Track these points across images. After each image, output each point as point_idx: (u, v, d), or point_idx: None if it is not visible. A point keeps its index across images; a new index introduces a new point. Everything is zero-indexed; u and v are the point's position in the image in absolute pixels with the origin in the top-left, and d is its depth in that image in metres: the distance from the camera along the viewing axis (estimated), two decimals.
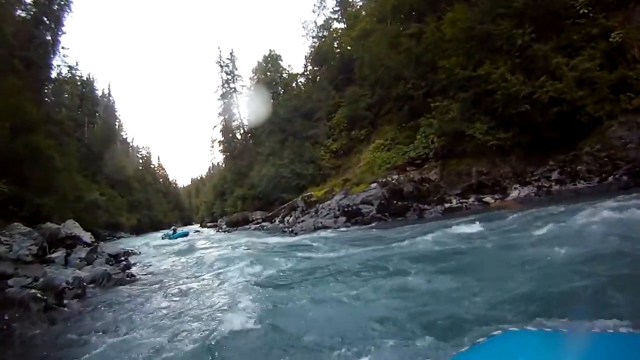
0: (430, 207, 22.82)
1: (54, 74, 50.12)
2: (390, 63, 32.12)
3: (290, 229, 27.34)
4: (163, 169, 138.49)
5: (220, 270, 13.26)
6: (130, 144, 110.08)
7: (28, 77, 33.51)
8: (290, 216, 33.74)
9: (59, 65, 50.10)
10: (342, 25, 56.69)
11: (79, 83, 75.83)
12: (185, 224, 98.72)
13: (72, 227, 20.76)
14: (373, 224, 22.65)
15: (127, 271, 15.15)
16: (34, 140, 25.75)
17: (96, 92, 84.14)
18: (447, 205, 22.46)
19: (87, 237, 20.46)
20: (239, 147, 69.31)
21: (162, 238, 43.33)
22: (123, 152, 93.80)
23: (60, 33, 45.89)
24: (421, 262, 9.48)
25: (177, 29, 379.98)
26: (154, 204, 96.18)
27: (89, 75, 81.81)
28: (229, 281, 11.19)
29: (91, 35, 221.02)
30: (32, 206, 23.27)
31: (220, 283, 11.15)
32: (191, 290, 10.67)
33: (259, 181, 47.56)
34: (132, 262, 18.95)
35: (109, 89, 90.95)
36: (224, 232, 42.56)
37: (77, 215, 33.22)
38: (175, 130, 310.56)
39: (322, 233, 22.40)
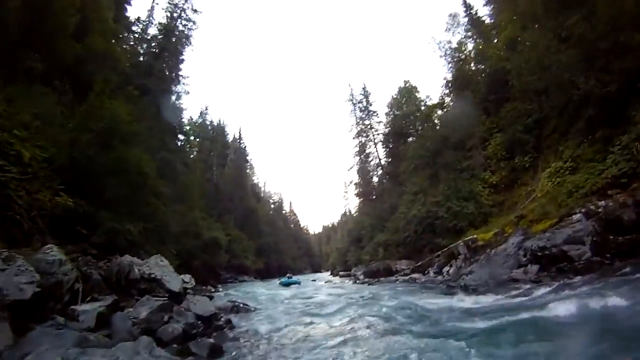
0: None
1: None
2: (561, 60, 24.35)
3: (461, 285, 20.29)
4: (294, 214, 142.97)
5: None
6: (262, 188, 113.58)
7: (142, 103, 32.58)
8: (450, 266, 27.25)
9: (179, 93, 49.40)
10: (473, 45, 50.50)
11: (209, 127, 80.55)
12: (315, 271, 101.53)
13: (155, 265, 14.62)
14: (593, 274, 14.52)
15: None
16: (123, 152, 20.76)
17: (227, 136, 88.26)
18: None
19: (176, 282, 14.27)
20: (378, 188, 65.38)
21: (279, 284, 43.91)
22: (254, 196, 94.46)
23: (179, 63, 47.46)
24: None
25: (307, 71, 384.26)
26: (283, 249, 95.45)
27: (219, 120, 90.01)
28: None
29: (222, 82, 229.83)
30: (110, 231, 17.54)
31: None
32: None
33: (405, 224, 41.31)
34: (232, 335, 11.84)
35: (239, 133, 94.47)
36: (363, 283, 36.69)
37: (192, 253, 32.30)
38: (307, 176, 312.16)
39: (518, 292, 15.05)
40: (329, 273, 76.48)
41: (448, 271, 26.66)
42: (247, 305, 18.62)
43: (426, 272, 30.72)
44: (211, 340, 10.28)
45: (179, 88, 48.60)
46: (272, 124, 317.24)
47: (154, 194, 25.00)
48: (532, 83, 29.47)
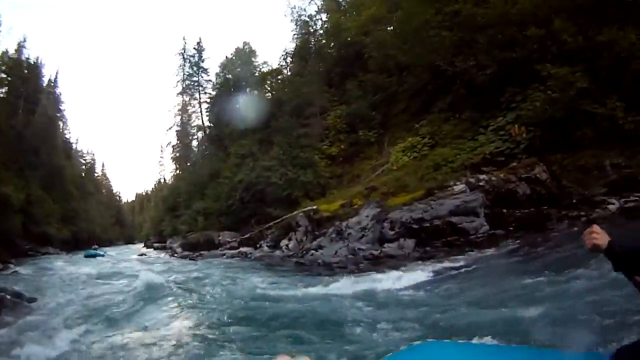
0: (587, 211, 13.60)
1: None
2: (441, 35, 23.25)
3: (318, 262, 16.78)
4: (107, 179, 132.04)
5: None
6: (74, 145, 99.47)
7: None
8: (289, 239, 23.47)
9: None
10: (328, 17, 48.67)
11: (25, 65, 67.41)
12: (128, 243, 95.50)
13: None
14: (502, 250, 12.55)
15: None
16: None
17: (42, 78, 74.45)
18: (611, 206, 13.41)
19: None
20: (198, 152, 62.16)
21: (85, 256, 39.45)
22: (64, 152, 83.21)
23: None
24: None
25: (139, 18, 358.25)
26: (93, 217, 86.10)
27: (37, 58, 72.93)
28: None
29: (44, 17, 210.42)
30: None
31: None
32: None
33: (230, 191, 37.50)
34: None
35: (56, 76, 79.16)
36: (182, 257, 31.86)
37: None
38: (123, 138, 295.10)
39: (407, 275, 11.32)
40: (142, 245, 71.32)
41: (287, 245, 23.08)
42: (19, 295, 11.81)
43: (258, 245, 27.16)
44: None
45: None
46: (93, 74, 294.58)
47: None
48: (395, 57, 28.96)
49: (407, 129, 27.45)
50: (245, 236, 30.17)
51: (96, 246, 48.88)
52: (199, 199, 46.77)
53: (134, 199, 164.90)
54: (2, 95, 59.86)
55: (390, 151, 27.13)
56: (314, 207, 24.78)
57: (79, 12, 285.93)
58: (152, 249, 53.83)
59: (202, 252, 31.44)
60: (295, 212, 25.39)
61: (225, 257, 27.39)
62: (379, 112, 32.01)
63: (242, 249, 27.67)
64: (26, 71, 67.33)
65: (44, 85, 74.63)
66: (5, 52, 62.14)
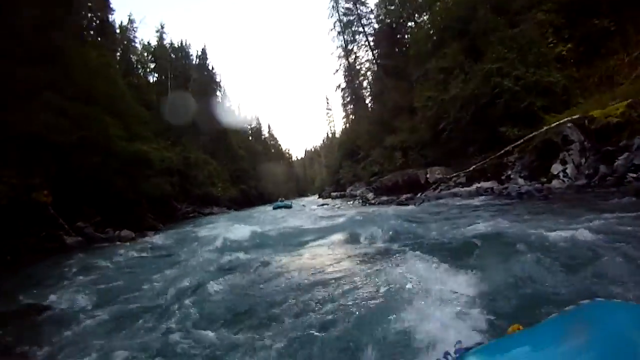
0: None
1: None
2: None
3: None
4: (274, 138, 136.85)
5: None
6: (236, 111, 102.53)
7: None
8: (563, 163, 16.78)
9: None
10: None
11: (169, 49, 72.38)
12: (301, 196, 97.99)
13: None
14: None
15: None
16: None
17: (191, 57, 78.44)
18: None
19: None
20: (375, 88, 55.52)
21: (274, 208, 40.50)
22: (228, 119, 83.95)
23: None
24: None
25: None
26: (264, 175, 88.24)
27: (181, 40, 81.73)
28: None
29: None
30: None
31: None
32: None
33: (437, 112, 29.33)
34: None
35: (203, 51, 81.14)
36: (384, 204, 25.24)
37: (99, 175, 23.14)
38: (286, 98, 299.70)
39: None
40: (317, 196, 70.70)
41: (565, 170, 16.50)
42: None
43: (505, 177, 20.21)
44: None
45: None
46: (244, 43, 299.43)
47: None
48: None
49: None
50: (470, 169, 23.31)
51: (282, 198, 53.11)
52: (387, 136, 40.35)
53: (303, 155, 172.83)
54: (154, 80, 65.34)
55: None
56: (577, 115, 17.70)
57: None
58: (329, 199, 50.54)
59: (406, 195, 25.68)
60: (557, 123, 18.25)
61: (460, 197, 20.31)
62: None
63: (482, 185, 21.00)
64: (173, 55, 71.63)
65: (194, 62, 78.18)
66: (148, 44, 68.57)
